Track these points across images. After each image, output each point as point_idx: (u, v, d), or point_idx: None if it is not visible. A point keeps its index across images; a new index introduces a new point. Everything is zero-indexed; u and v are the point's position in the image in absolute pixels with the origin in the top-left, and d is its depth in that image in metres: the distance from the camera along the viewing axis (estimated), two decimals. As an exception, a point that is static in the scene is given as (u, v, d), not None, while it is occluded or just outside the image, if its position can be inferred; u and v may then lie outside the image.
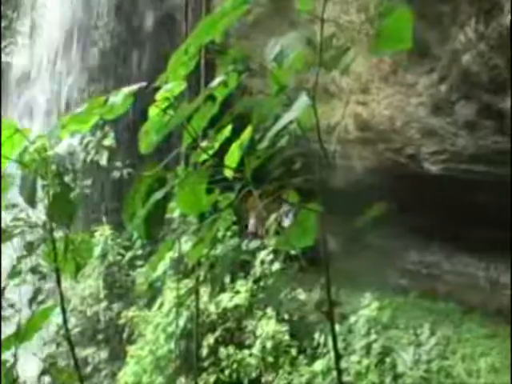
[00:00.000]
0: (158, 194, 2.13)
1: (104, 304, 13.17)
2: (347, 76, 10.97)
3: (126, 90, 2.20)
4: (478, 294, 13.46)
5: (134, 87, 2.21)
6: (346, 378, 10.30)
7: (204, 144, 2.32)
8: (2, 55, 14.90)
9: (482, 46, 8.45)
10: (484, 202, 10.69)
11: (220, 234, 11.46)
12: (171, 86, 2.22)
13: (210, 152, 2.29)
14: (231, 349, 11.09)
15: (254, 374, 10.91)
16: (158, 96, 2.22)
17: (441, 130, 10.15)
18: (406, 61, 9.76)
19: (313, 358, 11.01)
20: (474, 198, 10.92)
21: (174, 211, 6.61)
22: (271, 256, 11.99)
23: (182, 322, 10.89)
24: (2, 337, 2.81)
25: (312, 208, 2.31)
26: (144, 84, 2.22)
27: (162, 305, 11.62)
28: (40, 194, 2.73)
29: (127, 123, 12.85)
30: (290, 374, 10.81)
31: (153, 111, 2.25)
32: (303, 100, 2.06)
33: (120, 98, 2.18)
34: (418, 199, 11.97)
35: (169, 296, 11.48)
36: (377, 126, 11.41)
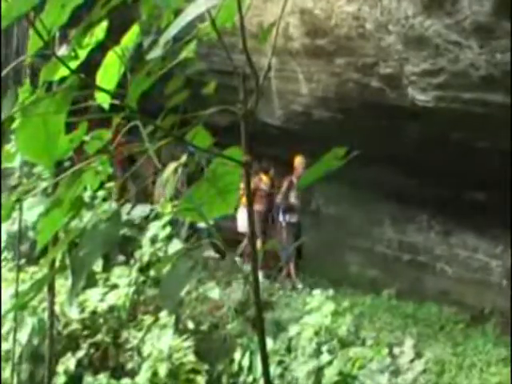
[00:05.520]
0: (-12, 130, 2.10)
1: None
2: None
3: None
4: (489, 295, 13.71)
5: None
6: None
7: (63, 51, 2.29)
8: None
9: None
10: (499, 149, 10.82)
11: (87, 195, 11.36)
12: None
13: (73, 64, 2.27)
14: (103, 377, 11.08)
15: (138, 417, 10.96)
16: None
17: (436, 37, 10.22)
18: None
19: (231, 392, 11.13)
20: (483, 144, 11.08)
21: (14, 158, 6.54)
22: (167, 230, 11.97)
23: (24, 336, 10.85)
24: None
25: (233, 156, 2.33)
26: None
27: (-8, 308, 11.53)
28: None
29: None
30: (195, 416, 10.91)
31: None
32: (221, -15, 2.05)
33: None
34: (398, 145, 12.11)
35: (4, 294, 11.40)
36: (335, 30, 11.44)
